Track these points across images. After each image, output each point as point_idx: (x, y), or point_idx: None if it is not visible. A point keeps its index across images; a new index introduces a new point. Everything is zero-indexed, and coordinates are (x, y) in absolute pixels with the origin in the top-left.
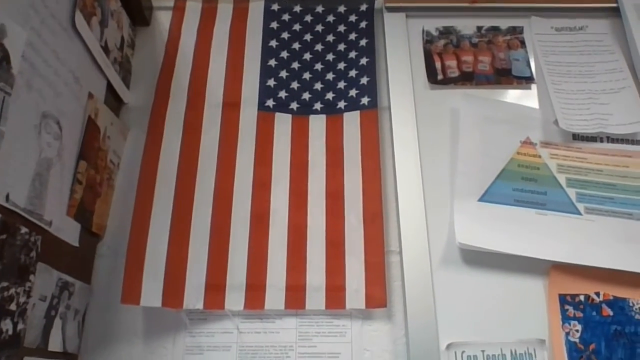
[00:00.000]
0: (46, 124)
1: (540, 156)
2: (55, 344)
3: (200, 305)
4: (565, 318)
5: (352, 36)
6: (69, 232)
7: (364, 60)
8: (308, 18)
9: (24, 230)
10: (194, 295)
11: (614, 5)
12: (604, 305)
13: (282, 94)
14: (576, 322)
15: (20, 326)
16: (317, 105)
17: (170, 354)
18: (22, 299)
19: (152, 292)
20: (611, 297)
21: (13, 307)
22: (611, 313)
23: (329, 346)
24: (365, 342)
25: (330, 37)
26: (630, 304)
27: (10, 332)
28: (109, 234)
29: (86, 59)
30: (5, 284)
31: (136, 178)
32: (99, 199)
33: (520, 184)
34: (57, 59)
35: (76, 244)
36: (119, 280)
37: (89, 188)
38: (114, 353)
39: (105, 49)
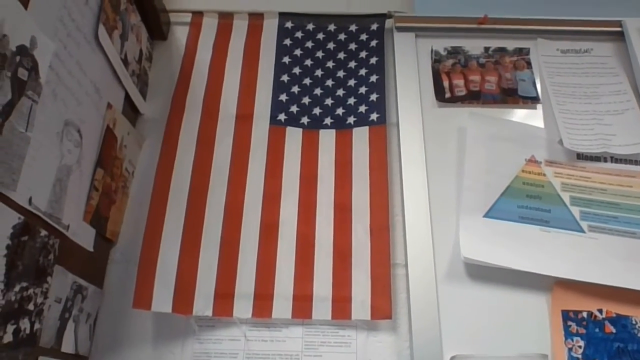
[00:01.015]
0: (68, 132)
1: (544, 174)
2: (68, 346)
3: (209, 313)
4: (568, 334)
5: (363, 54)
6: (84, 236)
7: (373, 78)
8: (320, 36)
9: (43, 233)
10: (203, 303)
11: (619, 29)
12: (606, 323)
13: (294, 108)
14: (579, 338)
15: (36, 326)
16: (327, 120)
17: (179, 359)
18: (39, 300)
19: (163, 298)
20: (614, 315)
21: (31, 307)
22: (614, 330)
23: (334, 356)
24: (370, 353)
25: (341, 55)
26: (633, 322)
27: (27, 331)
28: (121, 241)
29: (107, 70)
30: (24, 284)
31: (150, 187)
32: (114, 206)
33: (525, 201)
34: (80, 69)
35: (91, 249)
36: (130, 285)
37: (104, 195)
38: (124, 357)
39: (125, 62)
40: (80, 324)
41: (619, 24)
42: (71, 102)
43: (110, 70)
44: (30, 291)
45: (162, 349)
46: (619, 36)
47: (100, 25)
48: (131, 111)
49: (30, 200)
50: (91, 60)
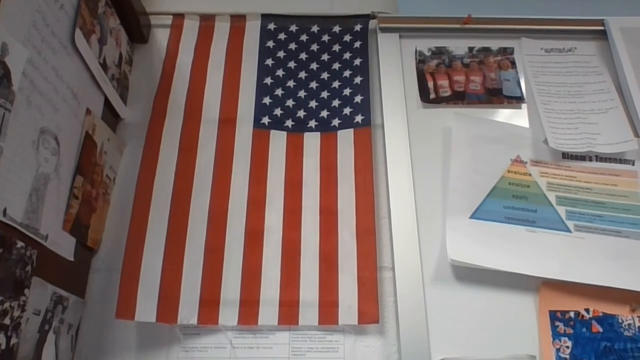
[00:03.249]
0: (44, 140)
1: (530, 174)
2: (48, 358)
3: (194, 321)
4: (556, 334)
5: (347, 55)
6: (64, 246)
7: (358, 79)
8: (304, 37)
9: (20, 244)
10: (188, 311)
11: (601, 28)
12: (593, 322)
13: (278, 111)
14: (566, 339)
15: (13, 340)
16: (312, 123)
17: None
18: (16, 313)
19: (146, 307)
20: (601, 314)
21: (7, 321)
22: (601, 329)
23: None
24: (358, 357)
25: (325, 56)
26: (620, 321)
27: (3, 347)
28: (103, 249)
29: (85, 75)
30: (0, 298)
31: (131, 193)
32: (95, 214)
33: (511, 202)
34: (56, 75)
35: (71, 258)
36: (113, 294)
37: (84, 203)
38: None
39: (104, 66)
40: (61, 336)
41: (601, 22)
42: (47, 109)
43: (88, 75)
44: (6, 305)
45: (147, 358)
46: (602, 35)
47: (77, 29)
48: (111, 116)
49: (4, 211)
50: (68, 66)
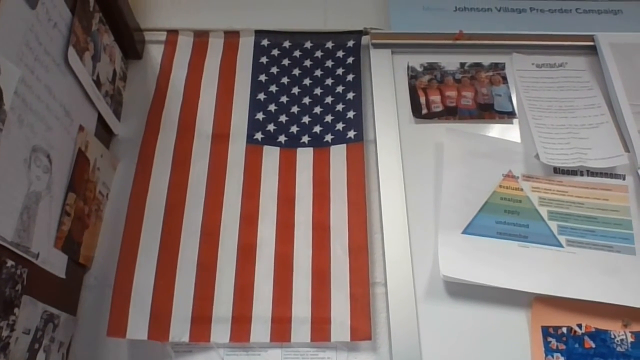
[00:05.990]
0: (36, 158)
1: (522, 189)
2: None
3: (186, 338)
4: (548, 350)
5: (340, 71)
6: (55, 263)
7: (350, 95)
8: (297, 53)
9: (10, 263)
10: (180, 328)
11: (592, 43)
12: (586, 338)
13: (271, 127)
14: (559, 354)
15: None
16: (305, 139)
17: None
18: (5, 333)
19: (138, 324)
20: (593, 329)
21: None
22: (593, 345)
23: None
24: None
25: (318, 72)
26: (612, 336)
27: None
28: (96, 265)
29: (78, 92)
30: None
31: (125, 209)
32: (87, 230)
33: (503, 217)
34: (49, 94)
35: (63, 276)
36: (105, 311)
37: (77, 219)
38: None
39: (97, 83)
40: (51, 354)
41: (591, 38)
42: (39, 127)
43: (81, 93)
44: None
45: None
46: (592, 50)
47: (70, 47)
48: (105, 132)
49: None
50: (61, 84)
